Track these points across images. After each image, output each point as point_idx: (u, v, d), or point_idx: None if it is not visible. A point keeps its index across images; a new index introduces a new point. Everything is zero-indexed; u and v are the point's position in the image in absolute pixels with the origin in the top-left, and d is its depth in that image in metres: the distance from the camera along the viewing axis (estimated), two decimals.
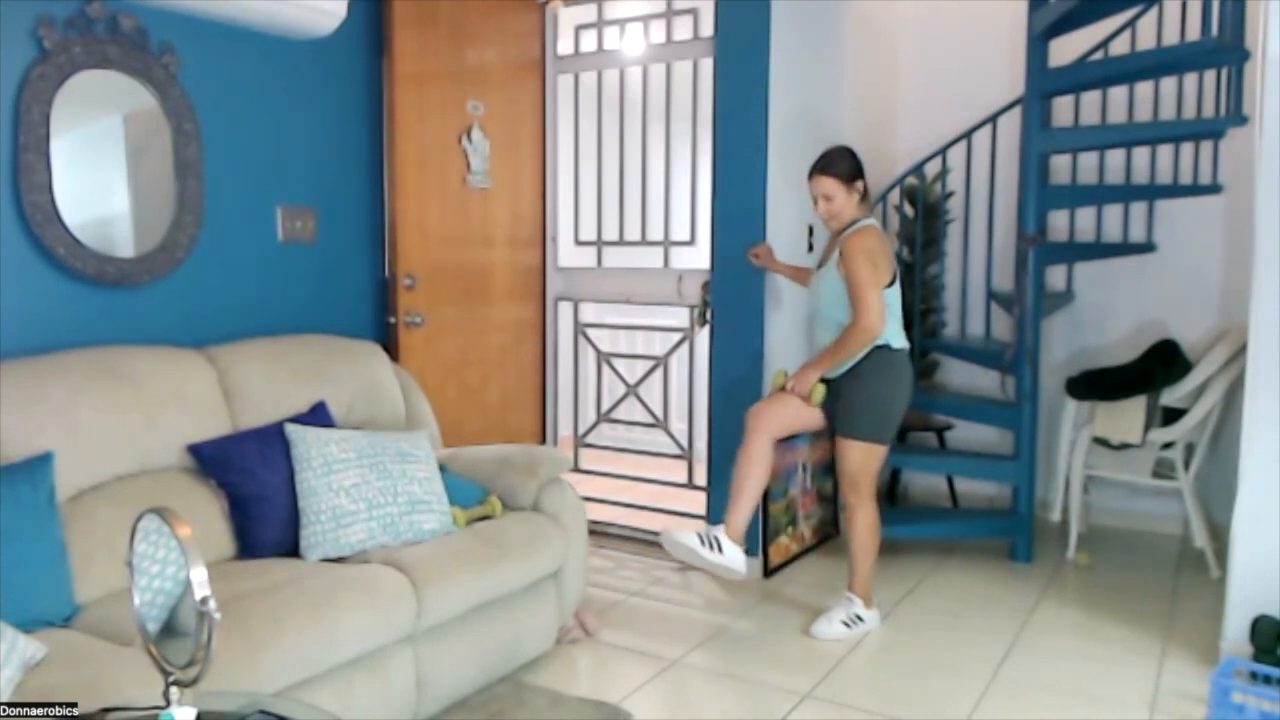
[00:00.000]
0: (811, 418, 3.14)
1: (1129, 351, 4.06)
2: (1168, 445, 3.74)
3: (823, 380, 3.08)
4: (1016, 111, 3.85)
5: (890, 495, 4.52)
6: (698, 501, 3.96)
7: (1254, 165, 2.75)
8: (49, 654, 1.80)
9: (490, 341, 3.85)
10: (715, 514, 3.76)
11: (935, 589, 3.53)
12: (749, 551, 3.43)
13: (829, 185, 3.07)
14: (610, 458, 4.44)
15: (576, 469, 4.24)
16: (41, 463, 2.15)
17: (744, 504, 3.06)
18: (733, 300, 3.65)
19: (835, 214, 3.09)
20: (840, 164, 3.07)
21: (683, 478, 4.15)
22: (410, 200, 3.41)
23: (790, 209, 3.66)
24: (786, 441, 3.45)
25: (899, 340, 3.09)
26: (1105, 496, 4.25)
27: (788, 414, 3.11)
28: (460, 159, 3.61)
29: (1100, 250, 4.20)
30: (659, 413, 4.22)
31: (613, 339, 4.69)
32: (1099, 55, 3.74)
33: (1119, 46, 3.72)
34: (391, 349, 3.36)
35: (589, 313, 4.31)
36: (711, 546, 2.98)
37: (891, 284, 3.05)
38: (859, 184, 3.07)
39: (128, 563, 1.52)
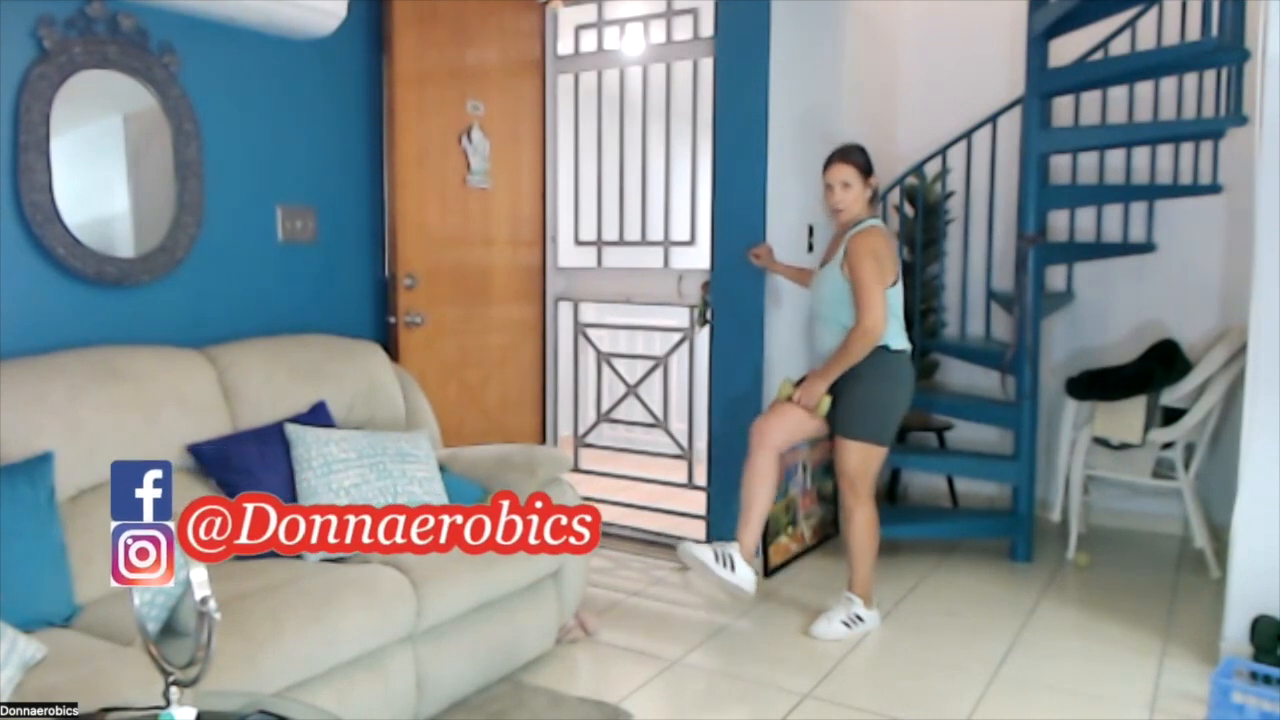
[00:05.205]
0: (815, 426, 3.15)
1: (1129, 351, 4.06)
2: (1168, 445, 3.74)
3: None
4: (1016, 111, 3.85)
5: (890, 495, 4.52)
6: (698, 502, 3.96)
7: (1254, 165, 2.75)
8: (49, 654, 1.79)
9: (490, 341, 3.85)
10: (714, 514, 3.76)
11: (935, 589, 3.53)
12: None
13: (848, 172, 3.07)
14: (610, 458, 4.43)
15: (576, 469, 4.23)
16: (41, 463, 2.15)
17: (754, 521, 3.08)
18: (733, 300, 3.65)
19: (848, 204, 3.08)
20: (860, 155, 3.10)
21: (683, 478, 4.15)
22: (410, 200, 3.40)
23: (790, 209, 3.66)
24: None
25: (899, 341, 3.09)
26: (1105, 496, 4.25)
27: (792, 425, 3.11)
28: (460, 159, 3.61)
29: (1100, 250, 4.20)
30: (659, 413, 4.22)
31: (613, 339, 4.69)
32: (1099, 55, 3.74)
33: (1119, 46, 3.72)
34: (391, 349, 3.36)
35: (589, 313, 4.30)
36: (725, 563, 2.99)
37: (894, 284, 3.05)
38: (873, 180, 3.10)
39: None
